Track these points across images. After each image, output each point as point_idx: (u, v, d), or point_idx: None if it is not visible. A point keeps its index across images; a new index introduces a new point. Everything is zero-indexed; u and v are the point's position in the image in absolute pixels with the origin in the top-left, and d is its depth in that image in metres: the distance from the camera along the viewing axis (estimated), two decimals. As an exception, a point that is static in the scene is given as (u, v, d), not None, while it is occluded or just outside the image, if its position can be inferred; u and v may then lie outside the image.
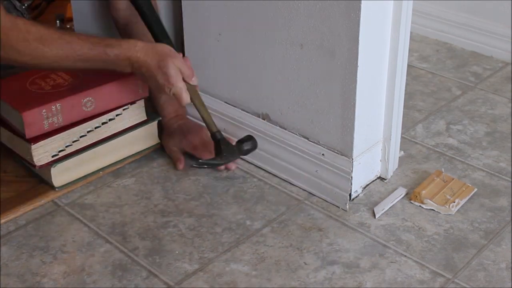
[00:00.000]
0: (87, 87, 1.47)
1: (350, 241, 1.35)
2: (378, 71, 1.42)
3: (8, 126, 1.47)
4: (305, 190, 1.49)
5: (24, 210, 1.42)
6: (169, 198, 1.47)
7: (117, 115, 1.53)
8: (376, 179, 1.52)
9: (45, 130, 1.42)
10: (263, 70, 1.50)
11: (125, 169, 1.56)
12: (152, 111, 1.61)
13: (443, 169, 1.54)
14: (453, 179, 1.51)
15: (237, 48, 1.54)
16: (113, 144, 1.54)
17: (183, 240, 1.35)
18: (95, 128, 1.50)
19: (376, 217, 1.41)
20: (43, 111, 1.40)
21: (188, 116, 1.64)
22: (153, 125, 1.61)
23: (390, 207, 1.44)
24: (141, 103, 1.57)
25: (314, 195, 1.48)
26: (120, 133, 1.54)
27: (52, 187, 1.47)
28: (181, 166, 1.54)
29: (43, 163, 1.44)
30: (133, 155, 1.58)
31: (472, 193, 1.48)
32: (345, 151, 1.42)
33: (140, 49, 1.37)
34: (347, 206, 1.43)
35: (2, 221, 1.39)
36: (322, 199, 1.46)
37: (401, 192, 1.48)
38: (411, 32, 1.44)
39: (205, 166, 1.51)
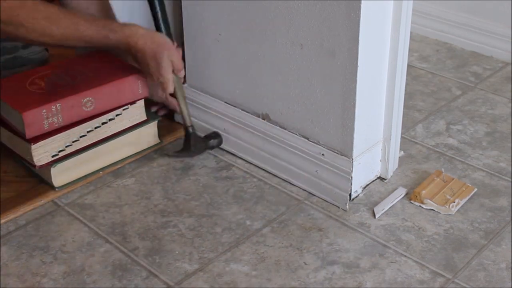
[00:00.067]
0: (87, 87, 1.47)
1: (350, 241, 1.35)
2: (378, 71, 1.42)
3: (8, 126, 1.47)
4: (305, 190, 1.49)
5: (24, 210, 1.42)
6: (169, 198, 1.47)
7: (117, 115, 1.53)
8: (376, 179, 1.52)
9: (45, 130, 1.42)
10: (263, 70, 1.50)
11: (125, 169, 1.56)
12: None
13: (443, 169, 1.54)
14: (453, 179, 1.51)
15: (237, 48, 1.54)
16: (113, 144, 1.54)
17: (183, 240, 1.35)
18: (95, 128, 1.50)
19: (376, 217, 1.41)
20: (43, 111, 1.40)
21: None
22: (153, 125, 1.61)
23: (390, 207, 1.44)
24: (141, 103, 1.57)
25: (314, 195, 1.48)
26: (120, 133, 1.54)
27: (52, 187, 1.47)
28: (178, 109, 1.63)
29: (43, 163, 1.44)
30: (133, 155, 1.58)
31: (472, 193, 1.48)
32: (345, 151, 1.42)
33: (140, 37, 1.45)
34: (347, 206, 1.43)
35: (2, 221, 1.39)
36: (322, 199, 1.46)
37: (401, 192, 1.48)
38: (411, 32, 1.44)
39: (174, 157, 1.59)
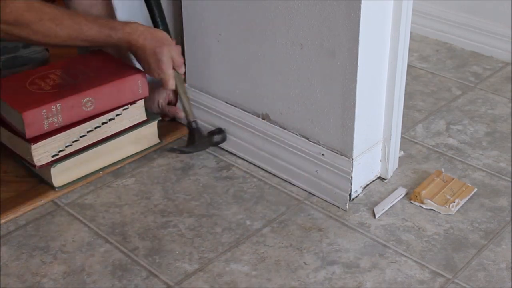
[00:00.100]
0: (87, 87, 1.47)
1: (350, 241, 1.35)
2: (378, 71, 1.42)
3: (8, 126, 1.47)
4: (305, 190, 1.49)
5: (24, 210, 1.42)
6: (169, 198, 1.47)
7: (117, 115, 1.53)
8: (376, 179, 1.52)
9: (45, 130, 1.42)
10: (263, 70, 1.50)
11: (125, 169, 1.56)
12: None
13: (443, 169, 1.54)
14: (453, 179, 1.51)
15: (237, 48, 1.54)
16: (113, 144, 1.54)
17: (183, 240, 1.35)
18: (95, 128, 1.50)
19: (376, 217, 1.41)
20: (43, 111, 1.40)
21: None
22: (153, 125, 1.61)
23: (390, 207, 1.44)
24: (141, 103, 1.57)
25: (314, 195, 1.48)
26: (120, 133, 1.54)
27: (52, 187, 1.47)
28: (181, 113, 1.65)
29: (43, 163, 1.44)
30: (133, 155, 1.58)
31: (472, 193, 1.48)
32: (345, 151, 1.42)
33: (140, 34, 1.47)
34: (347, 206, 1.43)
35: (2, 221, 1.39)
36: (322, 199, 1.46)
37: (401, 192, 1.48)
38: (411, 32, 1.44)
39: (179, 152, 1.60)
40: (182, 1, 1.61)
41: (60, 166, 1.46)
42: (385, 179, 1.52)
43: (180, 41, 1.74)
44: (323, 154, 1.45)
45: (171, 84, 1.52)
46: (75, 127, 1.46)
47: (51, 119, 1.42)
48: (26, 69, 1.56)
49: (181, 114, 1.66)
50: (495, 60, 2.08)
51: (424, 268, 1.28)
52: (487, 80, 1.98)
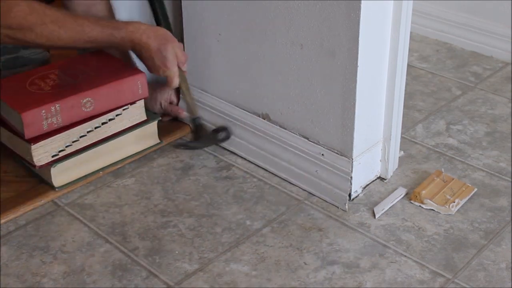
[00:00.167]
0: (87, 87, 1.47)
1: (350, 241, 1.35)
2: (378, 71, 1.42)
3: (8, 126, 1.47)
4: (305, 190, 1.49)
5: (24, 210, 1.42)
6: (169, 198, 1.47)
7: (117, 115, 1.53)
8: (376, 179, 1.52)
9: (44, 130, 1.42)
10: (263, 70, 1.50)
11: (125, 169, 1.56)
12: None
13: (443, 169, 1.54)
14: (453, 179, 1.51)
15: (237, 48, 1.54)
16: (113, 144, 1.54)
17: (183, 240, 1.35)
18: (95, 128, 1.50)
19: (376, 217, 1.41)
20: (42, 111, 1.40)
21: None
22: (153, 125, 1.61)
23: (390, 207, 1.44)
24: (141, 103, 1.57)
25: (314, 195, 1.48)
26: (120, 133, 1.54)
27: (52, 187, 1.47)
28: (183, 113, 1.67)
29: (43, 163, 1.44)
30: (133, 155, 1.58)
31: (472, 193, 1.48)
32: (345, 151, 1.42)
33: (143, 32, 1.46)
34: (346, 206, 1.43)
35: (2, 221, 1.39)
36: (322, 199, 1.46)
37: (401, 192, 1.48)
38: (411, 32, 1.44)
39: (185, 148, 1.60)
40: (182, 1, 1.61)
41: (60, 166, 1.46)
42: (385, 179, 1.52)
43: (180, 41, 1.74)
44: (323, 154, 1.45)
45: (176, 81, 1.52)
46: (74, 127, 1.46)
47: (50, 119, 1.42)
48: (27, 69, 1.55)
49: (184, 114, 1.66)
50: (495, 60, 2.08)
51: (424, 268, 1.28)
52: (487, 80, 1.98)
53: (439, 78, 1.99)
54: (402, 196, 1.47)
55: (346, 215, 1.42)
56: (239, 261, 1.30)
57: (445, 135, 1.71)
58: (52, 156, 1.45)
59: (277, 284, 1.25)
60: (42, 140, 1.42)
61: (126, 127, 1.55)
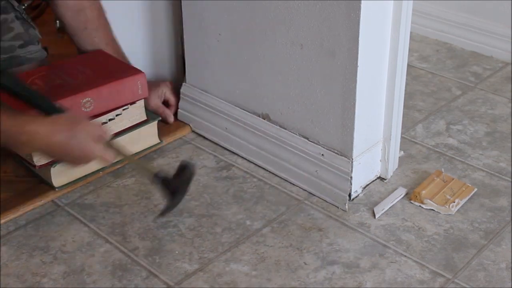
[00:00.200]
0: (86, 87, 1.47)
1: (350, 241, 1.35)
2: (378, 71, 1.42)
3: (8, 126, 1.46)
4: (305, 190, 1.49)
5: (24, 210, 1.42)
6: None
7: (117, 115, 1.53)
8: (376, 179, 1.52)
9: (45, 130, 1.42)
10: (263, 70, 1.50)
11: (125, 169, 1.56)
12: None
13: (443, 169, 1.54)
14: (453, 179, 1.51)
15: (237, 48, 1.54)
16: (113, 144, 1.54)
17: (183, 240, 1.35)
18: (95, 128, 1.50)
19: (376, 217, 1.41)
20: (43, 111, 1.40)
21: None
22: (153, 125, 1.61)
23: (390, 207, 1.44)
24: (141, 103, 1.57)
25: (314, 195, 1.48)
26: (120, 133, 1.54)
27: (52, 187, 1.47)
28: (171, 118, 1.68)
29: (43, 163, 1.44)
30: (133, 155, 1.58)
31: (472, 193, 1.48)
32: (345, 151, 1.42)
33: (42, 138, 1.27)
34: (346, 207, 1.43)
35: (2, 221, 1.39)
36: (322, 199, 1.46)
37: (401, 192, 1.48)
38: (411, 32, 1.44)
39: (165, 215, 1.40)
40: (182, 1, 1.61)
41: (60, 166, 1.46)
42: (385, 179, 1.52)
43: (180, 41, 1.74)
44: (323, 154, 1.45)
45: (110, 157, 1.32)
46: (75, 127, 1.46)
47: (51, 119, 1.42)
48: (22, 69, 1.55)
49: (171, 119, 1.68)
50: (495, 60, 2.08)
51: (424, 268, 1.28)
52: (487, 80, 1.98)
53: (439, 78, 1.99)
54: (402, 196, 1.47)
55: (346, 215, 1.42)
56: (239, 261, 1.30)
57: (445, 135, 1.71)
58: (52, 156, 1.45)
59: (277, 284, 1.25)
60: (42, 140, 1.42)
61: (126, 127, 1.55)
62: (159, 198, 1.46)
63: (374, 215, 1.41)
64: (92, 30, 1.60)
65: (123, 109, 1.53)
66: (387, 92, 1.45)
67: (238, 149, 1.61)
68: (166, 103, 1.72)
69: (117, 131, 1.54)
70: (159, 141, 1.63)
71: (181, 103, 1.71)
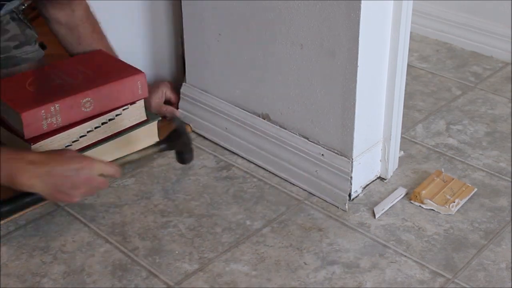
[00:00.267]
0: (86, 87, 1.47)
1: (350, 241, 1.35)
2: (378, 71, 1.42)
3: (8, 126, 1.46)
4: (305, 190, 1.49)
5: (24, 210, 1.42)
6: (169, 198, 1.47)
7: (117, 115, 1.53)
8: (376, 179, 1.52)
9: (44, 130, 1.42)
10: (263, 70, 1.50)
11: (125, 169, 1.56)
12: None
13: (443, 169, 1.54)
14: (453, 179, 1.51)
15: (237, 48, 1.54)
16: (113, 144, 1.53)
17: (183, 240, 1.35)
18: (95, 128, 1.50)
19: (376, 217, 1.41)
20: (42, 111, 1.40)
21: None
22: (153, 125, 1.61)
23: (390, 207, 1.44)
24: (141, 103, 1.57)
25: (314, 195, 1.47)
26: (120, 133, 1.54)
27: (52, 187, 1.47)
28: (177, 112, 1.67)
29: (43, 163, 1.44)
30: (133, 155, 1.58)
31: (472, 193, 1.48)
32: (345, 151, 1.42)
33: (32, 176, 1.24)
34: (346, 207, 1.43)
35: (2, 221, 1.39)
36: (322, 199, 1.46)
37: (401, 192, 1.48)
38: (411, 32, 1.44)
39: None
40: (182, 1, 1.61)
41: (60, 166, 1.45)
42: (385, 179, 1.52)
43: (180, 41, 1.74)
44: (323, 154, 1.45)
45: (117, 171, 1.33)
46: (74, 127, 1.46)
47: (50, 119, 1.42)
48: (20, 69, 1.55)
49: (178, 113, 1.67)
50: (495, 60, 2.08)
51: (424, 268, 1.28)
52: (487, 80, 1.98)
53: (439, 78, 1.99)
54: (402, 196, 1.47)
55: (346, 215, 1.42)
56: (239, 261, 1.30)
57: (445, 135, 1.71)
58: (52, 156, 1.45)
59: (277, 284, 1.25)
60: (42, 140, 1.42)
61: (126, 127, 1.55)
62: (159, 198, 1.46)
63: (374, 215, 1.41)
64: (87, 45, 1.61)
65: (123, 109, 1.53)
66: (387, 92, 1.45)
67: (238, 149, 1.61)
68: (167, 102, 1.72)
69: (117, 131, 1.54)
70: (159, 141, 1.62)
71: (181, 103, 1.71)
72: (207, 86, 1.65)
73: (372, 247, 1.33)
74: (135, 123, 1.57)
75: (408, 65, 1.53)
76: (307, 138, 1.48)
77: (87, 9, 1.60)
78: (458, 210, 1.43)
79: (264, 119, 1.55)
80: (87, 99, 1.46)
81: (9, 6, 1.40)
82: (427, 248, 1.33)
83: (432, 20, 2.21)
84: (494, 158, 1.61)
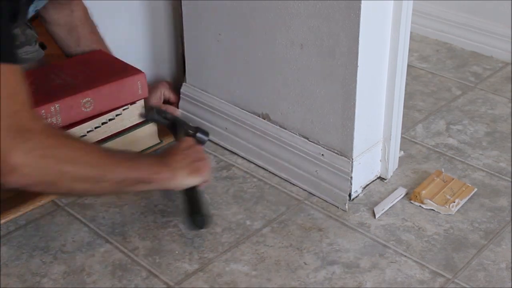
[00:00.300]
0: (86, 87, 1.47)
1: (350, 241, 1.35)
2: (378, 71, 1.42)
3: (8, 126, 1.46)
4: (305, 190, 1.49)
5: (24, 210, 1.42)
6: (169, 198, 1.47)
7: (117, 115, 1.53)
8: (376, 179, 1.52)
9: (45, 130, 1.42)
10: (263, 70, 1.50)
11: (125, 169, 1.56)
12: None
13: (443, 169, 1.54)
14: (453, 179, 1.51)
15: (237, 48, 1.54)
16: (113, 144, 1.53)
17: (183, 240, 1.35)
18: (95, 128, 1.50)
19: (376, 217, 1.41)
20: (42, 111, 1.40)
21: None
22: (153, 125, 1.61)
23: (390, 207, 1.44)
24: (141, 103, 1.57)
25: (314, 195, 1.48)
26: (120, 133, 1.54)
27: (52, 187, 1.47)
28: (178, 112, 1.67)
29: (43, 163, 1.44)
30: (133, 155, 1.58)
31: (472, 193, 1.48)
32: (345, 151, 1.42)
33: (171, 178, 1.29)
34: (346, 207, 1.43)
35: (2, 221, 1.39)
36: (322, 199, 1.46)
37: (401, 192, 1.48)
38: (411, 32, 1.44)
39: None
40: (182, 1, 1.61)
41: (60, 166, 1.45)
42: (385, 179, 1.52)
43: (180, 41, 1.74)
44: (323, 154, 1.45)
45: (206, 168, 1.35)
46: (74, 127, 1.46)
47: (50, 119, 1.42)
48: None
49: (178, 113, 1.66)
50: (495, 60, 2.08)
51: (424, 268, 1.28)
52: (487, 80, 1.98)
53: (439, 78, 1.99)
54: (402, 196, 1.47)
55: (346, 215, 1.42)
56: (239, 261, 1.30)
57: (445, 135, 1.71)
58: (52, 156, 1.45)
59: (277, 284, 1.25)
60: (42, 140, 1.42)
61: (126, 127, 1.55)
62: (159, 198, 1.46)
63: (374, 215, 1.41)
64: (85, 46, 1.61)
65: (123, 109, 1.53)
66: (387, 92, 1.45)
67: (238, 149, 1.61)
68: (167, 102, 1.72)
69: (117, 131, 1.54)
70: (159, 141, 1.63)
71: (181, 103, 1.71)
72: (207, 86, 1.65)
73: (372, 247, 1.33)
74: (135, 123, 1.57)
75: (408, 65, 1.53)
76: (307, 138, 1.48)
77: (85, 10, 1.60)
78: (458, 210, 1.43)
79: (264, 119, 1.55)
80: (87, 99, 1.46)
81: (38, 5, 1.40)
82: (427, 248, 1.33)
83: (432, 20, 2.21)
84: (494, 158, 1.61)
